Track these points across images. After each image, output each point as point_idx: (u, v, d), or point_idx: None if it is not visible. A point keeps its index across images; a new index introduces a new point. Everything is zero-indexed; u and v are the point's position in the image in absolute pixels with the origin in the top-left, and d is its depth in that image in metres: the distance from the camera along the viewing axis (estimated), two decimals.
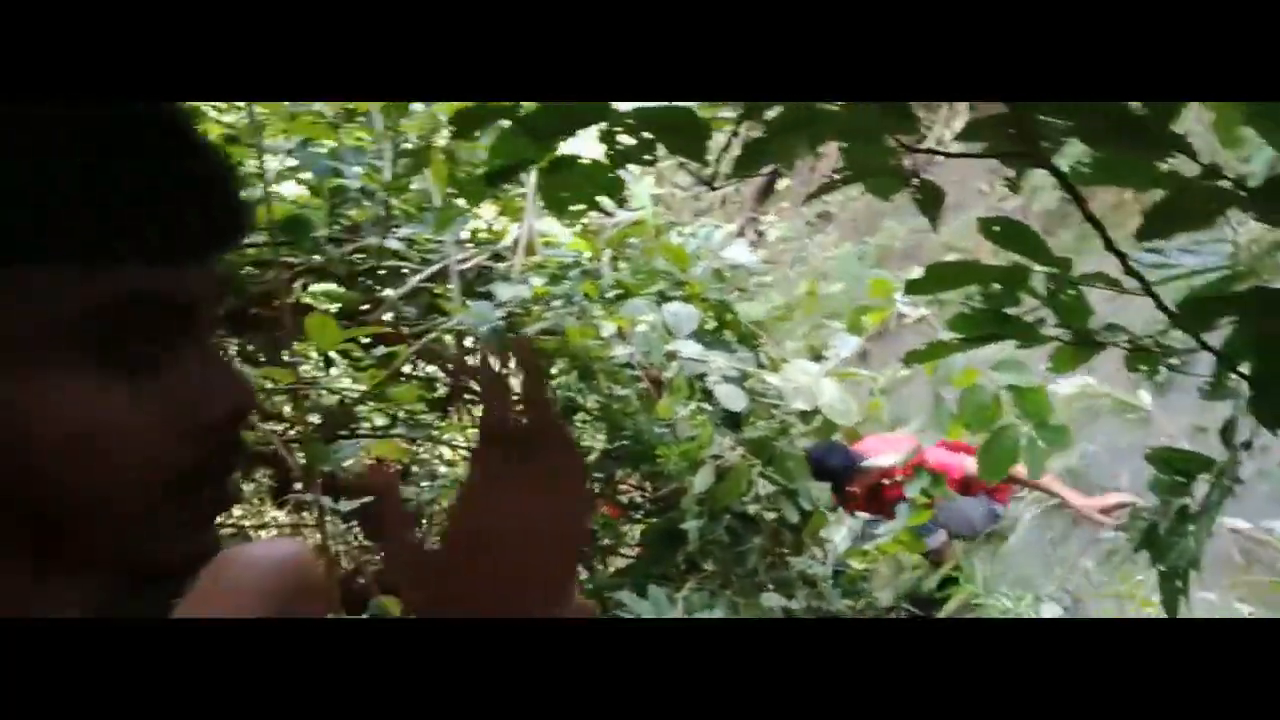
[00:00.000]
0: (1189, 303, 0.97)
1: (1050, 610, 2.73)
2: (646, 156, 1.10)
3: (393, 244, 2.06)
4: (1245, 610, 2.69)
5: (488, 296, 2.20)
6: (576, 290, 2.32)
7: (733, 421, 3.16)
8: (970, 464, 2.75)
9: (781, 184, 7.66)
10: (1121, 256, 0.98)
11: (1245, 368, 1.11)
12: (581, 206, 1.18)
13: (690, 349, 2.40)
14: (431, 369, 2.83)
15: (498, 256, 2.24)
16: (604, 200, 1.18)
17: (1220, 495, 1.39)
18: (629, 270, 2.91)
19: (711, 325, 3.09)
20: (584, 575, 2.88)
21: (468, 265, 2.19)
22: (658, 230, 3.12)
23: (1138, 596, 2.48)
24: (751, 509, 3.03)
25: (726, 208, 7.93)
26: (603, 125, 1.03)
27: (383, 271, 2.40)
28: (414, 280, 2.13)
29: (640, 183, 2.85)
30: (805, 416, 2.71)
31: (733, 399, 2.37)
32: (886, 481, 2.98)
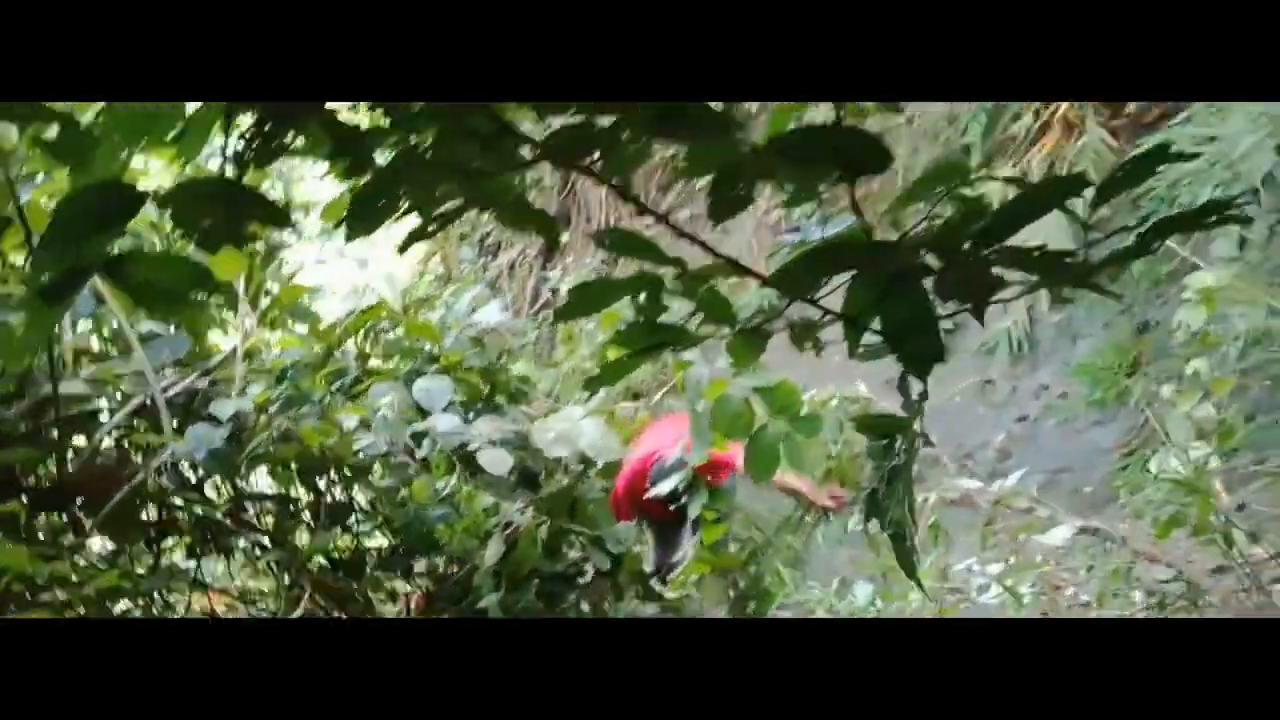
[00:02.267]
0: (785, 268, 0.99)
1: (863, 590, 2.79)
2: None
3: (76, 388, 1.86)
4: (994, 568, 2.79)
5: (210, 419, 2.04)
6: (308, 389, 2.19)
7: (530, 482, 3.07)
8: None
9: (564, 237, 7.73)
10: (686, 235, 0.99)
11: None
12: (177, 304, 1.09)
13: (445, 422, 2.32)
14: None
15: (205, 373, 2.08)
16: (199, 293, 1.09)
17: (910, 445, 1.44)
18: (380, 356, 2.81)
19: (484, 392, 3.02)
20: None
21: (174, 391, 2.02)
22: (407, 309, 3.03)
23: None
24: (560, 566, 2.94)
25: (516, 272, 7.92)
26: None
27: (102, 418, 2.19)
28: (114, 420, 1.94)
29: (373, 268, 2.76)
30: (586, 461, 2.67)
31: (497, 464, 2.30)
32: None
